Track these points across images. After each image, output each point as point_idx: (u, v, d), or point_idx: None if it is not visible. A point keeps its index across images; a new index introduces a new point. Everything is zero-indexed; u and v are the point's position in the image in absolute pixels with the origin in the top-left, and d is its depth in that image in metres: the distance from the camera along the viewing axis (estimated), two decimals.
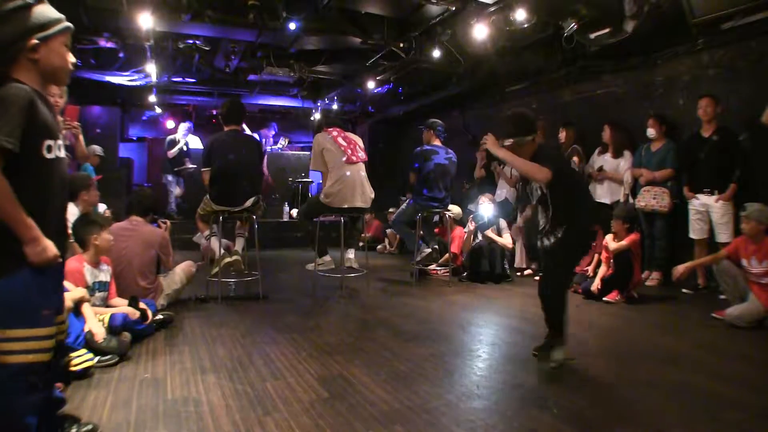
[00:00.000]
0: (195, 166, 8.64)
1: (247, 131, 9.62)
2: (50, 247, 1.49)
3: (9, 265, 1.44)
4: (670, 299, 4.45)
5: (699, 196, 4.66)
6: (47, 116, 1.56)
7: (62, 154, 1.63)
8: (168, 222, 4.01)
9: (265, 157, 8.98)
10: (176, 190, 8.82)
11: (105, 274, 3.01)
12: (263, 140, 9.18)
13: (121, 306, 2.98)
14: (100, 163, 5.99)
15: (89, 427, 1.82)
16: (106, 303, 2.98)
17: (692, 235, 4.73)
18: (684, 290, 4.65)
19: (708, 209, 4.60)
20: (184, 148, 8.87)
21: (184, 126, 9.08)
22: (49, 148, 1.55)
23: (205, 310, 3.88)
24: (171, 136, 8.95)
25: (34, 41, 1.51)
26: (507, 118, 3.04)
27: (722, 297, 3.97)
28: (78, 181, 3.53)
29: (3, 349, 1.42)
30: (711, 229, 4.62)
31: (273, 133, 9.67)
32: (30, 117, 1.46)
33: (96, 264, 2.95)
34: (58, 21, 1.59)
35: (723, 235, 4.45)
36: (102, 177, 4.70)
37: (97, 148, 6.02)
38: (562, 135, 5.72)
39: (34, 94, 1.50)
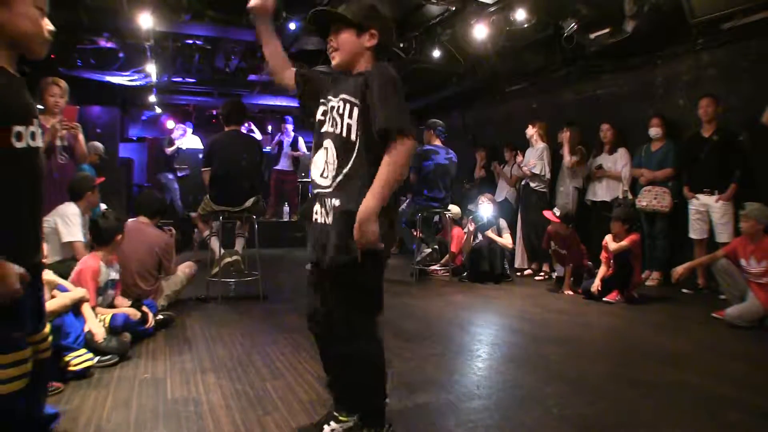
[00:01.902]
0: (186, 168, 8.62)
1: (257, 134, 9.61)
2: (8, 275, 1.23)
3: None
4: (670, 299, 4.45)
5: (699, 196, 4.65)
6: (14, 95, 1.32)
7: (37, 143, 1.39)
8: (174, 230, 4.02)
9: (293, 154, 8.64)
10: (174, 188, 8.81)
11: (116, 273, 3.03)
12: (282, 138, 8.85)
13: (124, 306, 2.98)
14: (102, 163, 5.95)
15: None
16: (112, 303, 2.98)
17: (692, 235, 4.73)
18: (684, 290, 4.65)
19: (708, 209, 4.60)
20: (183, 147, 8.87)
21: (181, 127, 9.09)
22: (19, 136, 1.30)
23: (205, 310, 3.88)
24: (170, 135, 8.97)
25: None
26: None
27: (722, 297, 3.97)
28: (84, 182, 3.54)
29: None
30: (711, 229, 4.62)
31: (291, 126, 9.37)
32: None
33: (109, 262, 2.97)
34: None
35: (723, 235, 4.45)
36: (104, 179, 4.67)
37: (98, 146, 6.00)
38: (566, 135, 5.72)
39: None
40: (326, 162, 1.67)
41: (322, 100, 1.76)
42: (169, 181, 8.76)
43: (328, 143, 1.67)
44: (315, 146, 1.73)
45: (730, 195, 4.45)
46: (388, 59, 1.76)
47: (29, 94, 1.41)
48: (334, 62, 1.71)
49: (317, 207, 1.70)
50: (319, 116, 1.75)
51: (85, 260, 2.80)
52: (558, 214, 4.84)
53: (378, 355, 1.77)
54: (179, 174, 8.77)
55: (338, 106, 1.66)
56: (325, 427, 1.74)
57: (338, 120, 1.64)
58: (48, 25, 1.43)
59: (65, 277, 2.63)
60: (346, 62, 1.70)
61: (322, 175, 1.68)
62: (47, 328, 1.57)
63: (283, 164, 8.51)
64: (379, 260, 1.71)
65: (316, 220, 1.70)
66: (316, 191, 1.72)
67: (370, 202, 1.51)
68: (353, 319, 1.71)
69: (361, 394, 1.75)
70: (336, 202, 1.62)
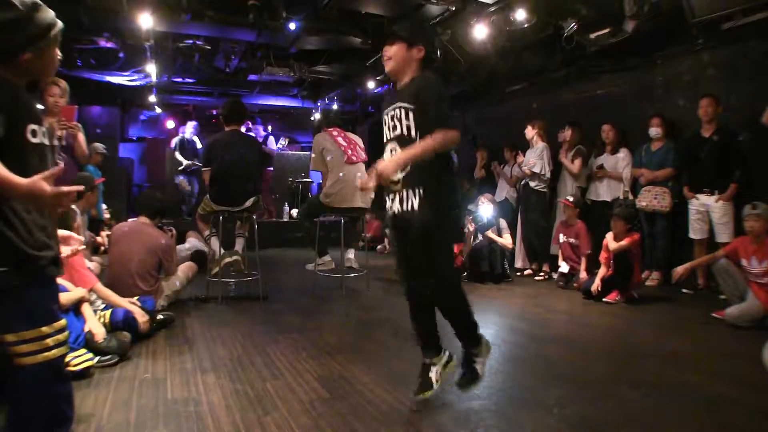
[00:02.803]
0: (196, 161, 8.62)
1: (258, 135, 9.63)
2: (37, 181, 1.32)
3: (29, 271, 1.39)
4: (670, 299, 4.45)
5: (699, 196, 4.66)
6: (28, 101, 1.48)
7: (48, 141, 1.55)
8: (174, 230, 4.02)
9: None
10: (188, 189, 8.76)
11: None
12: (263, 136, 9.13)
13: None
14: (103, 162, 5.95)
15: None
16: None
17: (692, 236, 4.73)
18: (684, 290, 4.65)
19: (708, 209, 4.60)
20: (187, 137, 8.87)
21: (191, 125, 9.07)
22: (34, 133, 1.46)
23: (205, 310, 3.88)
24: (177, 138, 8.94)
25: (28, 56, 1.42)
26: None
27: (722, 297, 3.97)
28: (84, 182, 3.54)
29: (27, 350, 1.38)
30: (711, 229, 4.62)
31: (264, 133, 9.53)
32: (9, 101, 1.38)
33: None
34: (50, 27, 1.47)
35: (723, 235, 4.45)
36: (105, 179, 4.67)
37: (99, 146, 6.00)
38: (567, 134, 5.72)
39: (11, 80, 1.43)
40: None
41: (383, 117, 2.12)
42: (181, 182, 8.73)
43: (393, 145, 2.05)
44: (385, 147, 2.12)
45: (730, 195, 4.45)
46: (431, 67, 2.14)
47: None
48: (387, 68, 2.09)
49: (393, 202, 2.07)
50: (385, 130, 2.12)
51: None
52: (571, 199, 5.08)
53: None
54: (192, 167, 8.68)
55: (396, 113, 2.03)
56: (431, 374, 2.11)
57: (398, 124, 2.03)
58: (59, 55, 1.55)
59: None
60: (396, 70, 2.08)
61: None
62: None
63: None
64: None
65: (395, 212, 2.06)
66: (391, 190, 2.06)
67: (399, 154, 1.96)
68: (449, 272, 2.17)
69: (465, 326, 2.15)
70: (409, 191, 1.99)
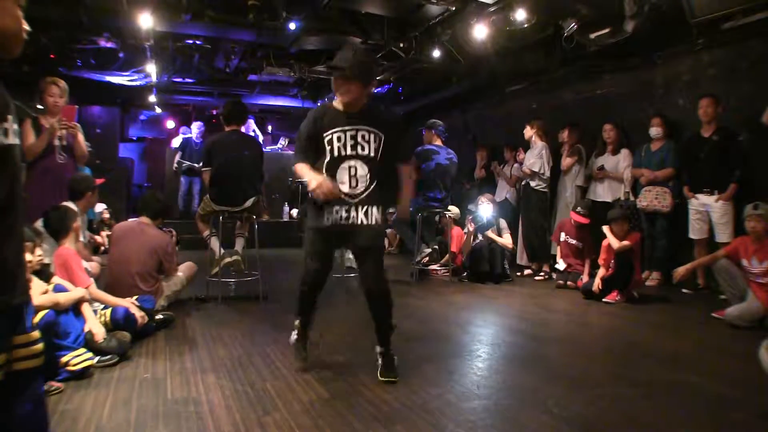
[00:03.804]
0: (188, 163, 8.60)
1: (259, 135, 9.62)
2: None
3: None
4: (670, 299, 4.45)
5: (699, 195, 4.66)
6: None
7: (11, 140, 1.27)
8: (174, 231, 4.02)
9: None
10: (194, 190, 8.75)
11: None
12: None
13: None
14: (96, 165, 5.93)
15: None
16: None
17: (692, 236, 4.73)
18: (684, 290, 4.65)
19: (708, 209, 4.60)
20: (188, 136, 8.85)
21: (197, 126, 9.06)
22: (5, 132, 1.24)
23: (205, 310, 3.88)
24: (180, 138, 8.94)
25: None
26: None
27: (722, 297, 3.97)
28: (85, 182, 3.54)
29: None
30: (711, 229, 4.62)
31: (252, 120, 9.54)
32: None
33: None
34: None
35: (723, 235, 4.45)
36: (105, 180, 4.66)
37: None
38: (565, 135, 5.74)
39: None
40: (354, 177, 2.32)
41: (335, 130, 2.32)
42: (186, 184, 8.71)
43: (354, 162, 2.32)
44: (333, 165, 2.33)
45: (730, 195, 4.45)
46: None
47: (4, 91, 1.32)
48: (344, 99, 2.33)
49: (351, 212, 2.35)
50: (338, 146, 2.33)
51: (60, 253, 2.76)
52: (585, 212, 4.92)
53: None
54: (183, 167, 8.64)
55: (364, 136, 2.32)
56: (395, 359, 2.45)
57: (366, 146, 2.32)
58: (25, 25, 1.34)
59: None
60: (353, 103, 2.33)
61: (351, 186, 2.32)
62: (35, 332, 1.37)
63: None
64: None
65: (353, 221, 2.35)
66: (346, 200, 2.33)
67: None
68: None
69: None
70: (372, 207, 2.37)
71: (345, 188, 2.31)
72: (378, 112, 2.43)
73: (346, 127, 2.32)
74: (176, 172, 8.80)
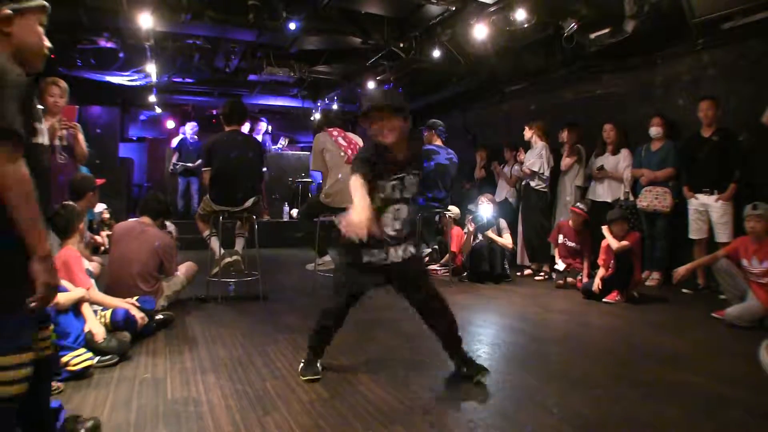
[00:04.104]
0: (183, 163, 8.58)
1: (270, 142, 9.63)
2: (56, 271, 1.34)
3: (15, 300, 1.31)
4: (670, 299, 4.45)
5: (698, 195, 4.66)
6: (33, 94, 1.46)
7: (42, 140, 1.48)
8: (173, 233, 4.01)
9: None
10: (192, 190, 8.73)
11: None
12: (262, 137, 9.16)
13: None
14: (96, 164, 5.92)
15: (91, 423, 1.78)
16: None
17: (692, 236, 4.73)
18: (684, 290, 4.65)
19: (707, 209, 4.60)
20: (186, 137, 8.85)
21: (190, 125, 9.04)
22: (35, 132, 1.42)
23: (205, 310, 3.88)
24: (177, 138, 8.93)
25: (7, 11, 1.38)
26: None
27: (722, 297, 3.97)
28: (86, 182, 3.54)
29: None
30: (710, 229, 4.62)
31: (266, 128, 9.51)
32: (24, 98, 1.33)
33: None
34: None
35: (722, 235, 4.45)
36: (105, 181, 4.66)
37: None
38: (564, 135, 5.74)
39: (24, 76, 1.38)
40: (398, 219, 2.33)
41: (393, 178, 2.33)
42: (183, 184, 8.70)
43: (400, 205, 2.33)
44: (382, 207, 2.32)
45: (730, 195, 4.45)
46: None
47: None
48: (389, 140, 2.28)
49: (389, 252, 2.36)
50: (389, 189, 2.33)
51: (61, 254, 2.76)
52: (584, 208, 5.02)
53: None
54: (178, 167, 8.61)
55: (410, 180, 2.33)
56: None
57: (411, 188, 2.34)
58: (47, 42, 1.52)
59: None
60: (398, 141, 2.30)
61: (394, 229, 2.32)
62: (50, 327, 1.61)
63: None
64: None
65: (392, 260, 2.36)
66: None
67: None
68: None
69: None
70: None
71: (389, 230, 2.32)
72: (418, 149, 2.46)
73: (401, 175, 2.33)
74: (172, 173, 8.79)
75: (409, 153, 2.36)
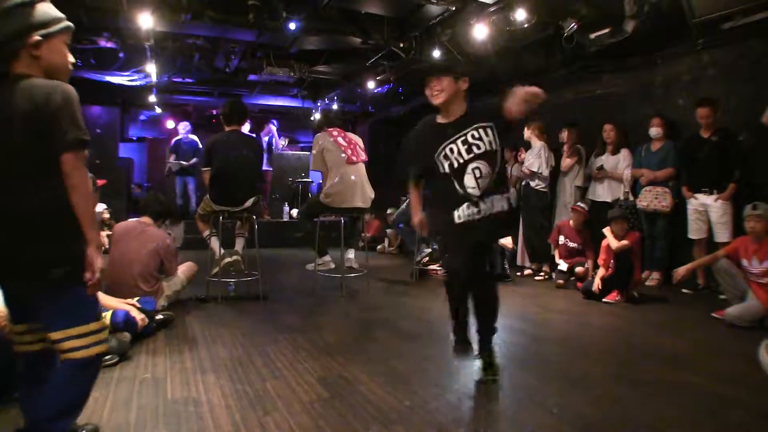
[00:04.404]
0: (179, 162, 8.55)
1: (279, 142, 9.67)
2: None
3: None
4: (670, 299, 4.45)
5: (698, 195, 4.66)
6: None
7: None
8: (173, 234, 4.01)
9: (268, 155, 9.06)
10: (189, 190, 8.70)
11: None
12: (270, 138, 9.15)
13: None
14: (96, 164, 5.92)
15: (91, 427, 1.83)
16: None
17: (691, 236, 4.73)
18: (684, 290, 4.65)
19: (707, 209, 4.61)
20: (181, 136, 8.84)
21: (183, 125, 9.01)
22: None
23: (205, 310, 3.88)
24: (175, 139, 8.92)
25: (36, 37, 1.53)
26: None
27: (722, 297, 3.97)
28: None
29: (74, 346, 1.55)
30: (710, 229, 4.62)
31: (276, 127, 9.57)
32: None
33: None
34: (59, 20, 1.61)
35: (722, 235, 4.45)
36: (106, 182, 4.66)
37: None
38: (564, 135, 5.74)
39: None
40: (481, 177, 2.26)
41: (444, 145, 2.30)
42: (180, 184, 8.69)
43: (477, 163, 2.26)
44: (457, 175, 2.29)
45: (730, 194, 4.45)
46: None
47: None
48: (437, 101, 2.30)
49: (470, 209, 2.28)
50: (454, 156, 2.29)
51: None
52: (585, 207, 5.08)
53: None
54: (174, 165, 8.57)
55: (474, 134, 2.26)
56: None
57: (480, 143, 2.25)
58: (71, 59, 1.67)
59: None
60: (447, 101, 2.29)
61: (480, 188, 2.26)
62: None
63: (266, 164, 8.71)
64: None
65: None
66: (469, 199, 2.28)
67: None
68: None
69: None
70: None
71: (476, 192, 2.27)
72: (478, 108, 2.37)
73: (455, 137, 2.29)
74: (168, 175, 8.78)
75: (467, 109, 2.32)
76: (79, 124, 1.50)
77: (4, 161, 1.48)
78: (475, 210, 2.27)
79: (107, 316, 2.75)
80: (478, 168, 2.27)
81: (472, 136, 2.27)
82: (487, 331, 2.45)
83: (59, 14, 1.63)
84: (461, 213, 2.29)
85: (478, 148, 2.26)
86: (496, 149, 2.29)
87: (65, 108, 1.48)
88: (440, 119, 2.36)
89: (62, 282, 1.51)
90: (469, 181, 2.28)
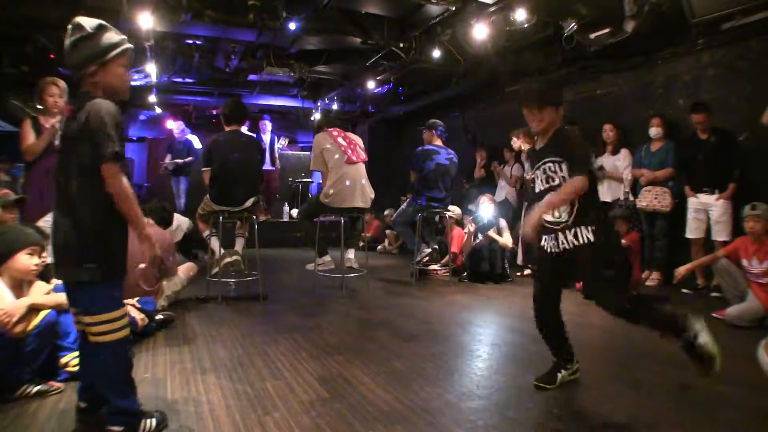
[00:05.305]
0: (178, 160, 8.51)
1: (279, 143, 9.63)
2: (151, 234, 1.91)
3: (119, 270, 1.89)
4: (670, 299, 4.45)
5: (699, 195, 4.66)
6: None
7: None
8: (183, 225, 4.01)
9: (275, 154, 8.97)
10: (180, 189, 8.68)
11: None
12: (272, 136, 9.08)
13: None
14: None
15: (159, 416, 1.91)
16: None
17: (689, 235, 4.73)
18: (684, 290, 4.65)
19: (707, 208, 4.61)
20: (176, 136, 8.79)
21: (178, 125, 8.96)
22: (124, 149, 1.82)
23: (205, 310, 3.88)
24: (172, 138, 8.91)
25: (92, 68, 1.77)
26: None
27: (714, 294, 3.97)
28: None
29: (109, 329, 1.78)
30: (708, 229, 4.62)
31: (271, 125, 9.56)
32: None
33: None
34: (116, 45, 1.81)
35: (721, 234, 4.46)
36: None
37: None
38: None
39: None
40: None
41: (535, 169, 2.42)
42: (176, 184, 8.67)
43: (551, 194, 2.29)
44: (538, 200, 2.36)
45: (730, 194, 4.46)
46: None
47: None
48: (536, 128, 2.39)
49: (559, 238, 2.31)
50: (538, 183, 2.39)
51: None
52: None
53: None
54: (170, 164, 8.54)
55: (549, 167, 2.32)
56: (558, 374, 2.41)
57: (553, 176, 2.31)
58: (130, 78, 1.91)
59: None
60: (546, 129, 2.38)
61: (554, 216, 2.30)
62: None
63: (266, 164, 8.60)
64: None
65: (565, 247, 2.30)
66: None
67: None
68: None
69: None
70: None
71: (549, 218, 2.32)
72: (561, 137, 2.37)
73: (538, 164, 2.39)
74: (164, 172, 8.75)
75: (550, 141, 2.38)
76: (112, 138, 1.70)
77: (72, 170, 1.77)
78: (553, 243, 2.34)
79: None
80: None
81: (549, 168, 2.34)
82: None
83: (118, 39, 1.82)
84: (545, 243, 2.39)
85: (553, 180, 2.32)
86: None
87: (101, 125, 1.70)
88: (538, 142, 2.47)
89: (91, 277, 1.74)
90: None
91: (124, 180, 1.74)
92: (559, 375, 2.41)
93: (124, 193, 1.74)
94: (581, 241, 2.25)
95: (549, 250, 2.36)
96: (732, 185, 4.45)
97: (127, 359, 1.86)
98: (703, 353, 2.12)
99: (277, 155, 9.01)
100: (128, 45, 1.87)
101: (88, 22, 1.80)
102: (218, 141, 4.21)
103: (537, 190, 2.39)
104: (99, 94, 1.78)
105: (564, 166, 2.27)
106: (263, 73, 7.87)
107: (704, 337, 2.15)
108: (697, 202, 4.67)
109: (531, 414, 2.07)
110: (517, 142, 5.79)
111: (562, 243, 2.30)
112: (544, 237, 2.37)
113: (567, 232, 2.27)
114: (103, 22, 1.83)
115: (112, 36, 1.82)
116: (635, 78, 5.72)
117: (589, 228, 2.23)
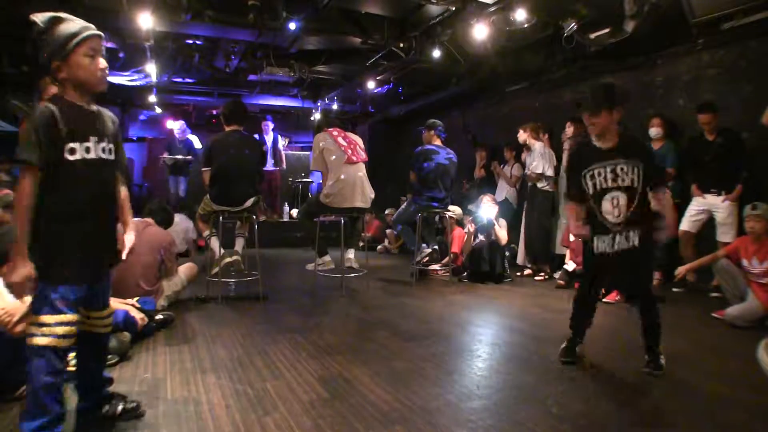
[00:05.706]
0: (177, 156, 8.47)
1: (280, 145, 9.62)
2: (21, 272, 1.59)
3: (58, 275, 1.67)
4: (670, 299, 4.45)
5: (707, 196, 4.66)
6: (70, 122, 1.68)
7: (93, 155, 1.72)
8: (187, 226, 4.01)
9: (280, 154, 8.97)
10: (180, 190, 8.66)
11: None
12: (275, 135, 9.09)
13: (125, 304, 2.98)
14: None
15: (134, 404, 1.96)
16: None
17: (681, 227, 4.70)
18: (674, 289, 4.66)
19: (712, 209, 4.61)
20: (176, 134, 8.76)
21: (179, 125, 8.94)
22: (72, 150, 1.66)
23: (205, 310, 3.88)
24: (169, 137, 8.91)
25: (55, 64, 1.65)
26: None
27: (714, 295, 3.97)
28: None
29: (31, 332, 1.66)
30: (703, 227, 4.64)
31: (272, 126, 9.59)
32: (49, 129, 1.62)
33: None
34: (74, 35, 1.66)
35: (726, 236, 4.45)
36: None
37: None
38: (570, 130, 5.71)
39: (54, 109, 1.65)
40: (617, 207, 2.50)
41: (593, 167, 2.54)
42: (173, 183, 8.67)
43: (616, 193, 2.49)
44: (598, 197, 2.54)
45: (736, 195, 4.45)
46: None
47: (98, 120, 1.80)
48: (594, 132, 2.55)
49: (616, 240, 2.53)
50: (599, 180, 2.53)
51: None
52: None
53: None
54: (169, 159, 8.51)
55: (623, 168, 2.48)
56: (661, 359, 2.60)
57: (626, 177, 2.48)
58: (101, 64, 1.73)
59: None
60: (602, 133, 2.53)
61: (615, 216, 2.50)
62: (109, 310, 1.93)
63: (269, 164, 8.60)
64: None
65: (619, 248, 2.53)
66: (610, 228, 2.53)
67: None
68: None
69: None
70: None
71: (610, 218, 2.50)
72: (633, 143, 2.58)
73: (605, 162, 2.51)
74: (161, 167, 8.73)
75: (619, 142, 2.52)
76: (20, 145, 1.59)
77: None
78: (609, 243, 2.52)
79: None
80: (616, 198, 2.50)
81: (623, 169, 2.49)
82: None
83: (77, 28, 1.66)
84: (598, 244, 2.56)
85: (623, 180, 2.48)
86: (637, 187, 2.50)
87: (21, 132, 1.62)
88: (596, 142, 2.57)
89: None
90: (606, 205, 2.51)
91: (26, 188, 1.58)
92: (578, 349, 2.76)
93: (19, 202, 1.59)
94: (635, 243, 2.49)
95: (604, 250, 2.55)
96: (739, 187, 4.44)
97: (40, 377, 1.64)
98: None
99: (282, 155, 9.02)
100: (91, 32, 1.71)
101: (41, 18, 1.65)
102: (218, 141, 4.21)
103: (599, 187, 2.51)
104: (69, 93, 1.70)
105: (637, 169, 2.47)
106: (263, 73, 7.87)
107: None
108: (703, 202, 4.67)
109: (531, 414, 2.07)
110: (522, 135, 5.80)
111: (619, 243, 2.51)
112: (599, 237, 2.55)
113: (630, 232, 2.49)
114: (59, 14, 1.68)
115: (68, 26, 1.67)
116: (635, 78, 5.71)
117: (642, 229, 2.49)
